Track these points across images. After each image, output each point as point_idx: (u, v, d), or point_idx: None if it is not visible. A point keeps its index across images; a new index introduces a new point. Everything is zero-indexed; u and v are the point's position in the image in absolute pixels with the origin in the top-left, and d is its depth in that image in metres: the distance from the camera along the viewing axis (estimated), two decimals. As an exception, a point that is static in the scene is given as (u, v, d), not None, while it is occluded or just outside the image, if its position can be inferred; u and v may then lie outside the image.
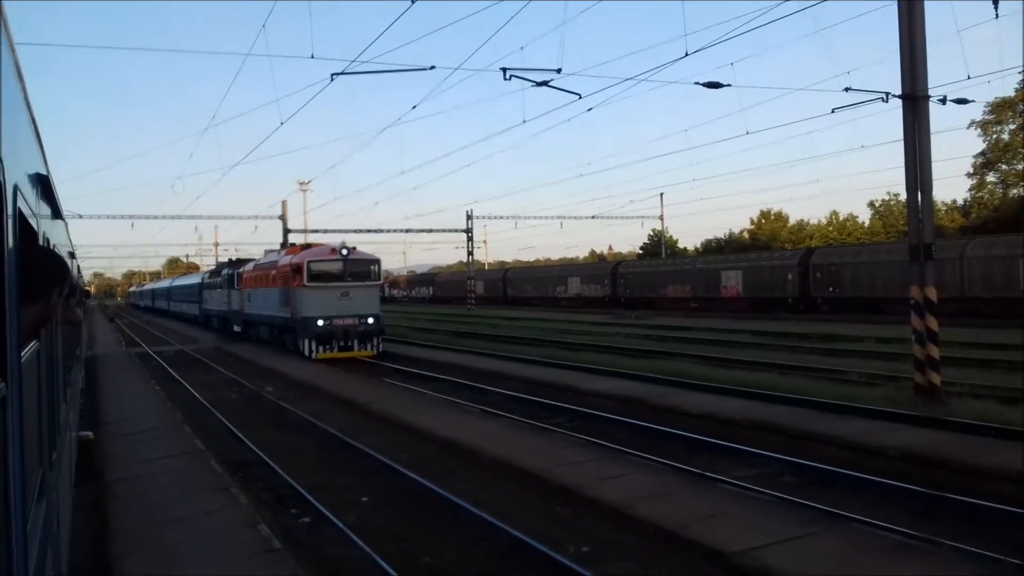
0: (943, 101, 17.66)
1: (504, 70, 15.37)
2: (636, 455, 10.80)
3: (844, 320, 34.46)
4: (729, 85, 17.32)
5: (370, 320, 26.12)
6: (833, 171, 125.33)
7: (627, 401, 15.22)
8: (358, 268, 26.66)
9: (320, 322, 25.51)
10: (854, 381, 16.36)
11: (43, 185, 3.34)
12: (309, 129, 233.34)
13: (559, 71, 16.16)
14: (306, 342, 25.81)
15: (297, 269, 26.38)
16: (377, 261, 27.74)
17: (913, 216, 14.74)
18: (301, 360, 25.38)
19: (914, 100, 14.59)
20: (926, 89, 14.71)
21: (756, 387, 15.37)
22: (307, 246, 30.59)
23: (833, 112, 18.27)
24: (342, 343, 25.79)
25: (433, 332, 36.45)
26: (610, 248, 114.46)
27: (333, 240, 32.91)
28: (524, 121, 32.32)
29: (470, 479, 10.23)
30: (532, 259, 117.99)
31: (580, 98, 17.42)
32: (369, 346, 26.23)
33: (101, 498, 9.41)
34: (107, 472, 10.65)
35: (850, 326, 30.35)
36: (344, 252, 26.45)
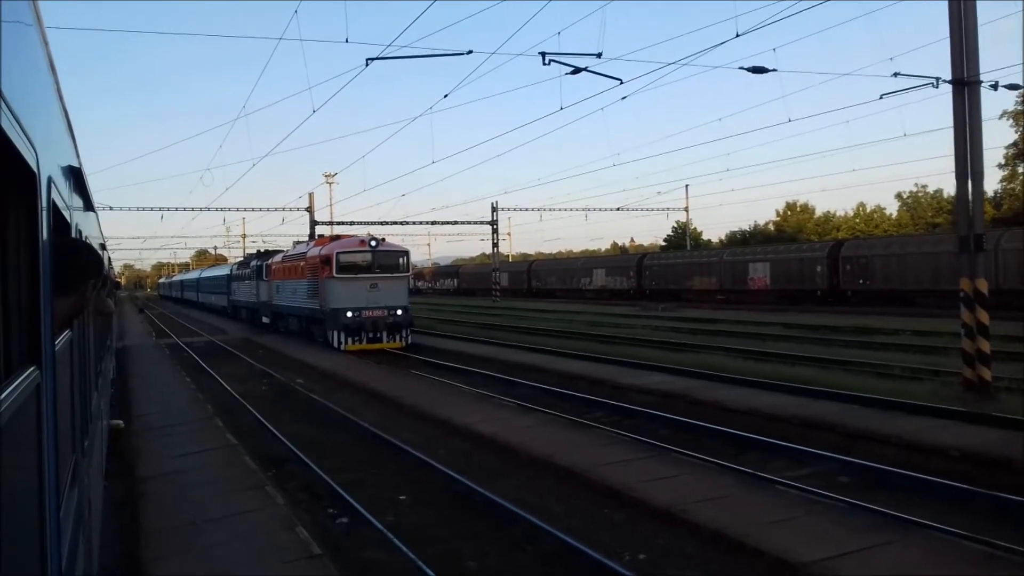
0: (995, 87, 16.97)
1: (543, 55, 14.90)
2: (682, 453, 10.39)
3: (875, 312, 33.76)
4: (774, 70, 16.76)
5: (399, 312, 25.87)
6: (869, 161, 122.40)
7: (666, 396, 14.78)
8: (387, 260, 26.42)
9: (349, 314, 25.29)
10: (896, 376, 15.82)
11: (75, 177, 3.39)
12: (340, 119, 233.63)
13: (599, 55, 15.69)
14: (335, 334, 25.60)
15: (326, 260, 26.14)
16: (406, 253, 27.45)
17: (963, 206, 14.15)
18: (330, 352, 25.16)
19: (966, 85, 14.00)
20: (978, 74, 14.10)
21: (797, 381, 14.88)
22: (336, 238, 30.36)
23: (882, 98, 17.60)
24: (371, 335, 25.54)
25: (460, 324, 36.12)
26: (632, 240, 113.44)
27: (359, 232, 32.64)
28: (561, 108, 31.42)
29: (510, 477, 9.87)
30: (555, 251, 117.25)
31: (621, 83, 16.89)
32: (398, 338, 25.98)
33: (132, 496, 9.15)
34: (138, 468, 10.39)
35: (882, 319, 29.67)
36: (373, 244, 26.21)
